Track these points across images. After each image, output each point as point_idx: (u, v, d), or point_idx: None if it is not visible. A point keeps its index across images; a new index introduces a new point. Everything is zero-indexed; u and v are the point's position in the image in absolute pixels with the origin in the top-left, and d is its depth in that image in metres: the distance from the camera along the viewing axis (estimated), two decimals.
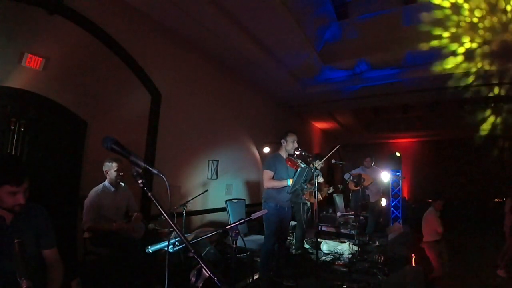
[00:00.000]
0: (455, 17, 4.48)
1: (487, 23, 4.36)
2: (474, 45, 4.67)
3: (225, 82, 5.69)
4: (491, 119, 7.70)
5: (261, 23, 4.33)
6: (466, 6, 4.36)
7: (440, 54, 5.06)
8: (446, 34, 4.70)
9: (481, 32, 4.47)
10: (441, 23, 4.59)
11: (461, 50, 4.80)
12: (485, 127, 8.02)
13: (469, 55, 4.94)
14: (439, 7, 4.42)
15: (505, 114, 7.55)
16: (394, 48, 5.26)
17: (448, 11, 4.44)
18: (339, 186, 5.75)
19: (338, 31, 5.53)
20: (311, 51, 5.30)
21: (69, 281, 2.59)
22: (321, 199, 5.02)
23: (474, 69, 5.13)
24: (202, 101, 5.03)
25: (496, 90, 5.97)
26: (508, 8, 4.14)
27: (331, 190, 4.79)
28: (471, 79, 5.47)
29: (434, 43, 4.78)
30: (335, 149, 4.33)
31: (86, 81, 3.29)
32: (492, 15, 4.28)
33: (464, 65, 5.11)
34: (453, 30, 4.59)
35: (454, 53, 4.82)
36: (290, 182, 3.15)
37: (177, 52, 4.55)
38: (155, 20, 4.08)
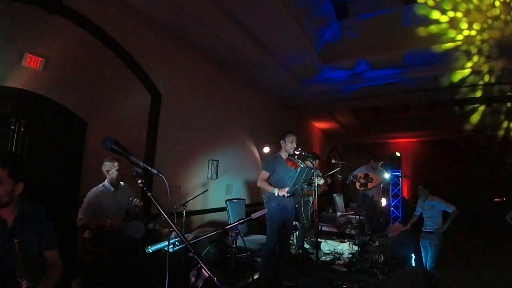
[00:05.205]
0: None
1: (489, 13, 4.28)
2: (473, 32, 4.52)
3: (226, 82, 5.69)
4: (490, 119, 7.69)
5: (261, 23, 4.33)
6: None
7: (439, 55, 5.04)
8: (444, 19, 4.54)
9: (481, 19, 4.34)
10: (439, 6, 4.45)
11: (460, 37, 4.64)
12: (484, 127, 8.01)
13: (469, 55, 4.92)
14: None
15: (505, 114, 7.55)
16: (394, 48, 5.26)
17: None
18: (338, 176, 5.77)
19: (338, 31, 5.53)
20: (311, 51, 5.30)
21: (69, 281, 2.59)
22: (326, 188, 5.05)
23: (471, 64, 5.09)
24: (202, 101, 5.03)
25: (494, 90, 5.96)
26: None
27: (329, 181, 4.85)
28: (470, 78, 5.46)
29: (432, 28, 4.67)
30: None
31: (86, 81, 3.29)
32: (492, 8, 4.22)
33: (470, 74, 5.07)
34: (451, 14, 4.45)
35: (453, 40, 4.67)
36: (276, 191, 3.12)
37: (177, 52, 4.55)
38: (155, 20, 4.08)
